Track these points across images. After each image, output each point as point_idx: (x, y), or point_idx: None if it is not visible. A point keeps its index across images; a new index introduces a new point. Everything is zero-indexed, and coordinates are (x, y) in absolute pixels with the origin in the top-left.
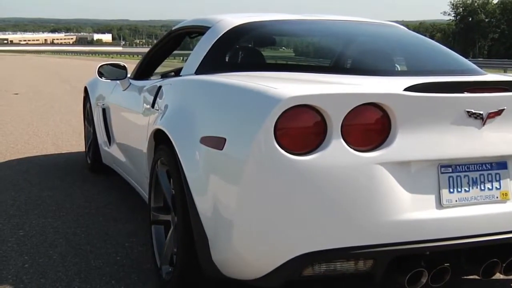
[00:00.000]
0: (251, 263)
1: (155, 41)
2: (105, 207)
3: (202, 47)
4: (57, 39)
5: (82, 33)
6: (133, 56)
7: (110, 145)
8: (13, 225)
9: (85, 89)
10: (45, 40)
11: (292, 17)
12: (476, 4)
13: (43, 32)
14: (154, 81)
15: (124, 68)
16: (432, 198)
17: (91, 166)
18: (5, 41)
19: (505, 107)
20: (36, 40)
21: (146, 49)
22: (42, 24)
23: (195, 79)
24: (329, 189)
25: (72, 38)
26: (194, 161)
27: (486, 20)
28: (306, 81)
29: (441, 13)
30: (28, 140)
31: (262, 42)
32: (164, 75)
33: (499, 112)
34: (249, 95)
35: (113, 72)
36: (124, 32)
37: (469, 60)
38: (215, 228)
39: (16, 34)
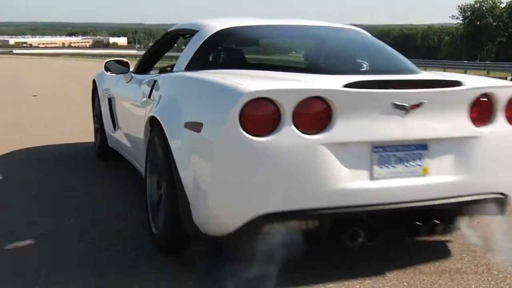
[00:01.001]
0: (223, 222)
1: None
2: (119, 206)
3: (191, 48)
4: (74, 42)
5: (98, 37)
6: None
7: (115, 130)
8: (30, 222)
9: (94, 81)
10: (63, 43)
11: (268, 23)
12: (484, 8)
13: (60, 35)
14: (151, 76)
15: (127, 64)
16: (365, 172)
17: (98, 150)
18: (25, 45)
19: (426, 101)
20: (54, 43)
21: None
22: (60, 28)
23: (183, 75)
24: (282, 164)
25: (88, 42)
26: (179, 142)
27: (494, 23)
28: (269, 78)
29: (449, 17)
30: (45, 139)
31: (240, 44)
32: (161, 70)
33: (420, 105)
34: (221, 89)
35: (118, 67)
36: (139, 35)
37: (477, 63)
38: (195, 195)
39: (35, 37)
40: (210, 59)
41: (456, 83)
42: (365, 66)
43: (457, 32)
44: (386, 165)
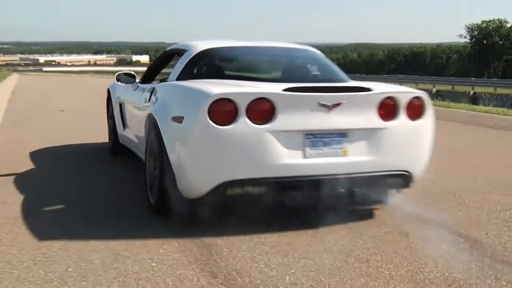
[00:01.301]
0: (198, 187)
1: None
2: (142, 217)
3: (181, 63)
4: (99, 60)
5: (122, 55)
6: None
7: (124, 129)
8: (59, 231)
9: (108, 90)
10: (89, 61)
11: (240, 44)
12: (490, 27)
13: (86, 54)
14: (151, 85)
15: (133, 76)
16: (300, 152)
17: (111, 147)
18: (53, 63)
19: (344, 101)
20: (80, 61)
21: None
22: (86, 46)
23: (173, 83)
24: (239, 146)
25: (113, 59)
26: (168, 131)
27: (501, 42)
28: (233, 85)
29: (457, 36)
30: (71, 141)
31: (217, 60)
32: (160, 81)
33: (339, 104)
34: (196, 92)
35: (127, 78)
36: (159, 53)
37: (485, 80)
38: (178, 168)
39: (62, 56)
40: (195, 72)
41: (367, 89)
42: (306, 76)
43: (465, 51)
44: (315, 148)
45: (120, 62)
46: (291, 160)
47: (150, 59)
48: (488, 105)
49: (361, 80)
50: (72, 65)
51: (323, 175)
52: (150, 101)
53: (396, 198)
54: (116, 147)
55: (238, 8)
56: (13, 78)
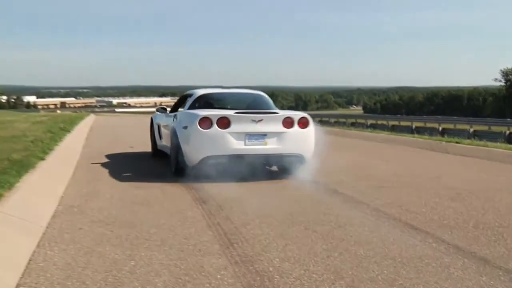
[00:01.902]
0: (194, 160)
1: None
2: (201, 243)
3: (189, 101)
4: (164, 102)
5: (176, 97)
6: None
7: (160, 139)
8: (127, 256)
9: (151, 118)
10: (155, 103)
11: (222, 90)
12: None
13: (153, 96)
14: (175, 113)
15: (165, 108)
16: (243, 142)
17: (152, 152)
18: (124, 104)
19: (263, 119)
20: (148, 103)
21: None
22: (153, 90)
23: (185, 111)
24: (212, 139)
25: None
26: (180, 134)
27: None
28: (213, 111)
29: (492, 79)
30: (136, 161)
31: (209, 99)
32: (178, 111)
33: (261, 120)
34: (194, 114)
35: (161, 110)
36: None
37: None
38: (185, 151)
39: (133, 98)
40: (196, 105)
41: (276, 113)
42: (249, 107)
43: (500, 93)
44: (250, 141)
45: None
46: (238, 146)
47: None
48: None
49: (401, 120)
50: (141, 106)
51: (254, 154)
52: (173, 121)
53: None
54: (155, 152)
55: (299, 54)
56: (90, 119)
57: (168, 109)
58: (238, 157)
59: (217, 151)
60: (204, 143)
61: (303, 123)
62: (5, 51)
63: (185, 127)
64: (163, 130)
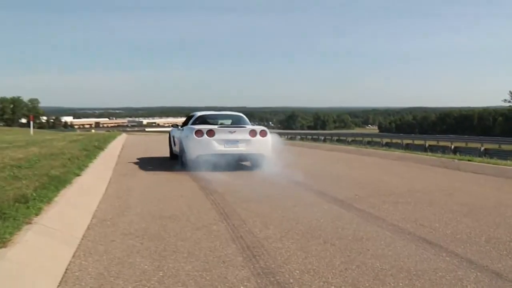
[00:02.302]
0: (191, 157)
1: (265, 123)
2: (226, 256)
3: (192, 119)
4: None
5: None
6: None
7: (174, 146)
8: (155, 267)
9: (169, 132)
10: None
11: (215, 112)
12: None
13: (181, 117)
14: (183, 128)
15: (177, 125)
16: (223, 146)
17: (170, 156)
18: (154, 124)
19: (236, 130)
20: (176, 123)
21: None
22: (181, 110)
23: (189, 126)
24: (203, 144)
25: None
26: (184, 141)
27: None
28: (206, 126)
29: (502, 100)
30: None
31: (206, 118)
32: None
33: (235, 131)
34: (192, 128)
35: (175, 126)
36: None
37: None
38: (187, 152)
39: (161, 118)
40: (197, 122)
41: (245, 127)
42: (230, 123)
43: (509, 113)
44: (228, 145)
45: None
46: (220, 148)
47: (233, 121)
48: None
49: (415, 139)
50: (169, 126)
51: (230, 153)
52: (181, 133)
53: None
54: (171, 156)
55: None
56: (122, 137)
57: (179, 125)
58: (220, 155)
59: (206, 151)
60: (198, 146)
61: (263, 134)
62: (46, 75)
63: (187, 136)
64: (176, 139)
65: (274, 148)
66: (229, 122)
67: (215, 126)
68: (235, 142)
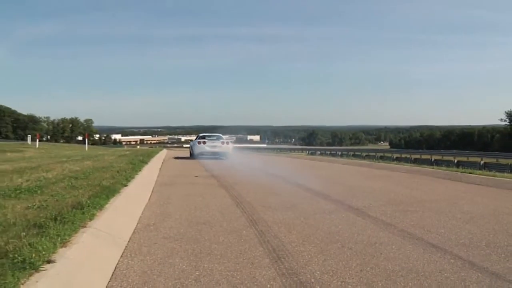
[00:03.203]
0: (195, 154)
1: (289, 140)
2: (254, 257)
3: (198, 136)
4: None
5: (239, 135)
6: (274, 151)
7: (193, 151)
8: (192, 266)
9: (190, 143)
10: None
11: (208, 134)
12: None
13: None
14: (195, 140)
15: (193, 140)
16: (209, 147)
17: (190, 157)
18: (190, 141)
19: (215, 139)
20: None
21: (283, 146)
22: (214, 129)
23: (195, 140)
24: (201, 147)
25: (233, 138)
26: (193, 147)
27: None
28: (202, 139)
29: (498, 119)
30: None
31: (203, 136)
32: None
33: (214, 141)
34: (196, 140)
35: (193, 140)
36: (268, 133)
37: None
38: (195, 152)
39: (184, 136)
40: (199, 138)
41: (221, 137)
42: (214, 138)
43: (505, 131)
44: (211, 147)
45: (238, 140)
46: (208, 149)
47: (260, 138)
48: None
49: (422, 154)
50: None
51: (213, 152)
52: (193, 143)
53: None
54: (190, 156)
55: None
56: (163, 153)
57: (193, 140)
58: (209, 153)
59: (201, 151)
60: (198, 149)
61: (227, 143)
62: (96, 98)
63: (194, 144)
64: (192, 147)
65: (233, 149)
66: (214, 138)
67: (206, 139)
68: (215, 146)
